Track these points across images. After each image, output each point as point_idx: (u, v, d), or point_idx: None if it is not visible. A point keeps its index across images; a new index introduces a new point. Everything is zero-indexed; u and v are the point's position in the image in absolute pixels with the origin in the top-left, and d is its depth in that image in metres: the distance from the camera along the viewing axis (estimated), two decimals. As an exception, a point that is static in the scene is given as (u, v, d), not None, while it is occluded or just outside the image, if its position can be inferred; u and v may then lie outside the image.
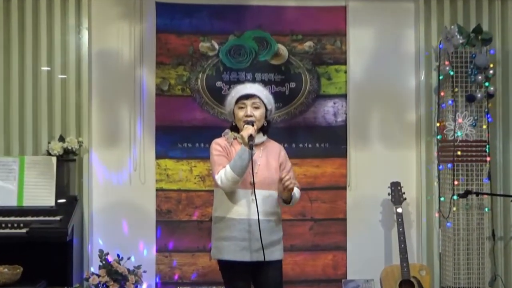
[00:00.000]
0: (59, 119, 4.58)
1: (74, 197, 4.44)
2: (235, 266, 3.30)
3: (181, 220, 4.70)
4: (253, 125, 3.25)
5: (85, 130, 4.60)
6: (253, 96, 3.35)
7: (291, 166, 3.51)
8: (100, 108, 4.69)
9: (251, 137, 3.19)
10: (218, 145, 3.36)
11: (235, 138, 3.39)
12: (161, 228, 4.72)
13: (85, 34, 4.61)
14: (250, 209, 3.27)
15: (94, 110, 4.67)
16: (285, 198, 3.37)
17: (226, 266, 3.34)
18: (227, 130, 3.46)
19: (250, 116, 3.29)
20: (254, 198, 3.24)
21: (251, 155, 3.17)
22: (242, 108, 3.34)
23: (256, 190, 3.27)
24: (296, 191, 3.44)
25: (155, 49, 4.69)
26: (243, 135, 3.21)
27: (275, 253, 3.35)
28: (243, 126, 3.28)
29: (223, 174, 3.22)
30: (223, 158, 3.30)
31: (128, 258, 4.47)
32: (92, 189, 4.65)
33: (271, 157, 3.41)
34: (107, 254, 4.43)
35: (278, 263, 3.39)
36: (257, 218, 3.18)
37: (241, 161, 3.18)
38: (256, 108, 3.34)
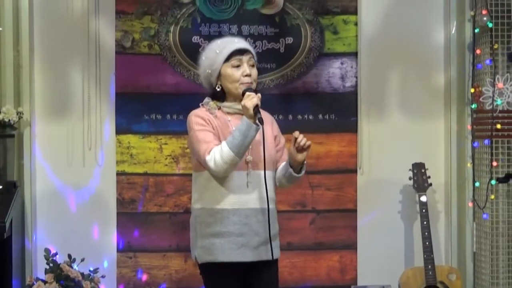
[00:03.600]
0: (-8, 83, 4.39)
1: (13, 183, 4.21)
2: (228, 270, 3.11)
3: (149, 212, 4.51)
4: (256, 93, 3.03)
5: (25, 98, 4.38)
6: (247, 52, 3.13)
7: (284, 142, 3.34)
8: (44, 70, 4.48)
9: (257, 107, 2.97)
10: (199, 117, 3.11)
11: (219, 108, 3.14)
12: (123, 222, 4.52)
13: (24, -26, 4.44)
14: (246, 195, 3.10)
15: (37, 72, 4.47)
16: (298, 164, 3.12)
17: (216, 270, 3.12)
18: (207, 99, 3.18)
19: (250, 75, 3.06)
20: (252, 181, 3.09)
21: (257, 131, 3.00)
22: (237, 66, 3.09)
23: (252, 171, 3.11)
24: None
25: (115, -5, 4.55)
26: (246, 105, 2.96)
27: (274, 250, 3.14)
28: (242, 92, 3.05)
29: (219, 155, 3.00)
30: (209, 134, 3.08)
31: (82, 260, 4.24)
32: (35, 173, 4.44)
33: (265, 130, 3.20)
34: (55, 254, 4.20)
35: (275, 263, 3.20)
36: (259, 207, 3.08)
37: (244, 140, 2.98)
38: (252, 66, 3.14)
